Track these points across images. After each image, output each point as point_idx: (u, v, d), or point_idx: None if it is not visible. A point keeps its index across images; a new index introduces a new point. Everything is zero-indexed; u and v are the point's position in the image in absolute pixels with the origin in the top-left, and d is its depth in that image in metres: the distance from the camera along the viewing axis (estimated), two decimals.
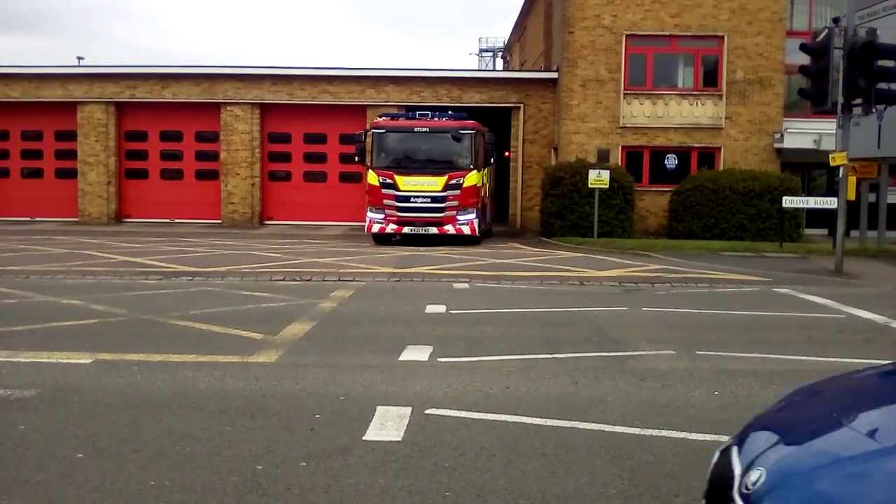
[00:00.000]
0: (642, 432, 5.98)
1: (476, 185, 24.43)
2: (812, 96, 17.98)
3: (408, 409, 6.44)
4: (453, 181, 24.08)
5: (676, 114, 29.21)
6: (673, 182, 28.42)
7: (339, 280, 15.11)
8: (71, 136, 32.98)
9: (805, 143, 28.45)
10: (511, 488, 4.93)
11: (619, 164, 28.35)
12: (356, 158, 25.16)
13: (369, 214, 24.71)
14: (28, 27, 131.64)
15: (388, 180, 24.23)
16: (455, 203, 24.09)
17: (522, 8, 42.96)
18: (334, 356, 8.65)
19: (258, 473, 5.12)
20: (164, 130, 33.26)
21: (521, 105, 32.02)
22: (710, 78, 29.40)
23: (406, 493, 4.84)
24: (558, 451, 5.58)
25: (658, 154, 29.39)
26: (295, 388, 7.23)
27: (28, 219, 33.04)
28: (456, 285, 14.74)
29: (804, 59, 18.13)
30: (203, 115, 32.73)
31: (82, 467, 5.24)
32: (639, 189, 27.72)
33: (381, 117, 25.82)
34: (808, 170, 31.08)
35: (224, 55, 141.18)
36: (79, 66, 37.23)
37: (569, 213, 25.91)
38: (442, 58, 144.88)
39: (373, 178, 24.63)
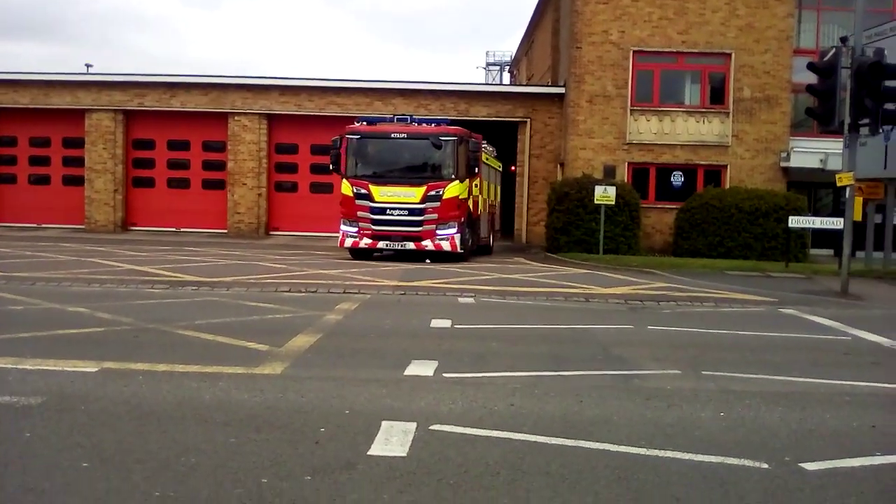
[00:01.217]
0: (648, 453, 5.95)
1: (457, 196, 22.48)
2: (819, 115, 17.99)
3: (413, 425, 6.42)
4: (432, 192, 22.20)
5: (683, 131, 29.28)
6: (679, 200, 28.48)
7: (344, 292, 15.11)
8: (79, 143, 33.17)
9: (812, 162, 28.54)
10: None
11: (626, 180, 28.43)
12: (330, 167, 23.71)
13: (342, 227, 22.97)
14: (41, 35, 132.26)
15: (363, 190, 22.49)
16: (434, 216, 22.19)
17: (530, 22, 43.09)
18: (339, 369, 8.64)
19: (263, 487, 5.11)
20: (172, 139, 33.44)
21: (528, 120, 32.12)
22: (717, 95, 29.49)
23: None
24: (562, 470, 5.57)
25: (664, 171, 29.45)
26: (300, 400, 7.23)
27: (35, 225, 33.19)
28: (461, 300, 14.74)
29: (812, 78, 18.16)
30: (211, 124, 32.87)
31: (88, 477, 5.24)
32: (644, 206, 27.77)
33: (357, 122, 23.90)
34: (815, 189, 31.10)
35: (237, 66, 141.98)
36: (87, 73, 37.43)
37: (574, 228, 25.90)
38: (450, 72, 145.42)
39: (346, 187, 22.88)
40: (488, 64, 69.80)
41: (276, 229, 32.95)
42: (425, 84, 32.83)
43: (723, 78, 29.32)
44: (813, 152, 28.52)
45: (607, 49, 29.07)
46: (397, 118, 23.82)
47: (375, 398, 7.35)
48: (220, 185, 33.14)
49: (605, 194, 24.68)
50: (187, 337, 10.22)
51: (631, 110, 29.20)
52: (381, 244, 22.40)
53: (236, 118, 32.55)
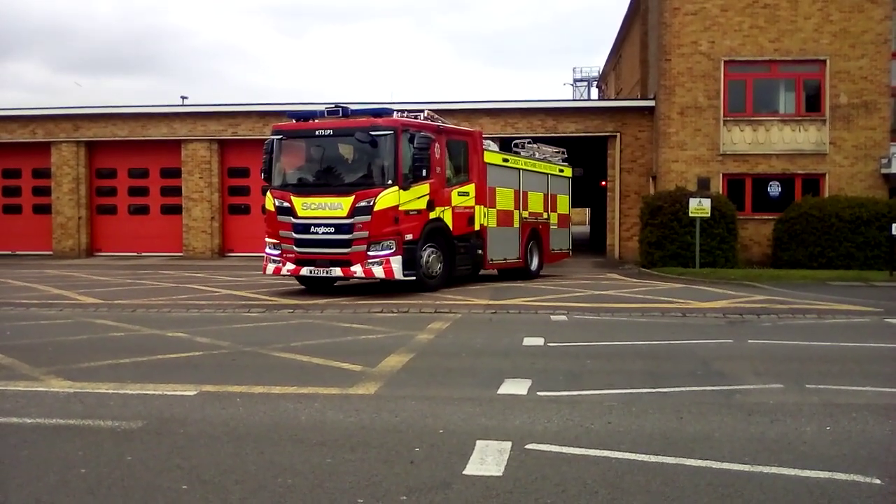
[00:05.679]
0: (752, 469, 5.77)
1: (396, 206, 17.73)
2: None
3: (508, 444, 6.34)
4: (362, 203, 17.60)
5: (778, 140, 28.64)
6: (776, 210, 27.84)
7: (435, 312, 15.10)
8: (176, 173, 34.03)
9: None
10: None
11: (721, 192, 27.89)
12: (262, 175, 19.37)
13: (266, 250, 18.96)
14: (135, 69, 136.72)
15: (285, 204, 18.35)
16: (364, 234, 17.61)
17: (617, 37, 42.78)
18: (432, 388, 8.61)
19: None
20: None
21: (618, 134, 31.78)
22: (813, 103, 28.77)
23: None
24: (664, 488, 5.42)
25: (760, 181, 28.83)
26: (394, 420, 7.21)
27: (135, 254, 34.10)
28: (553, 317, 14.59)
29: None
30: None
31: (187, 499, 5.29)
32: (741, 217, 27.16)
33: (288, 118, 19.86)
34: None
35: (326, 92, 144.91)
36: (182, 105, 38.40)
37: (669, 242, 25.45)
38: (536, 89, 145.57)
39: (269, 201, 18.85)
40: (575, 80, 69.43)
41: None
42: (512, 102, 32.80)
43: (818, 85, 28.61)
44: None
45: (697, 60, 28.65)
46: (328, 111, 19.04)
47: (469, 417, 7.29)
48: None
49: (699, 207, 24.20)
50: (283, 359, 10.33)
51: (724, 121, 28.69)
52: (304, 270, 18.32)
53: None
